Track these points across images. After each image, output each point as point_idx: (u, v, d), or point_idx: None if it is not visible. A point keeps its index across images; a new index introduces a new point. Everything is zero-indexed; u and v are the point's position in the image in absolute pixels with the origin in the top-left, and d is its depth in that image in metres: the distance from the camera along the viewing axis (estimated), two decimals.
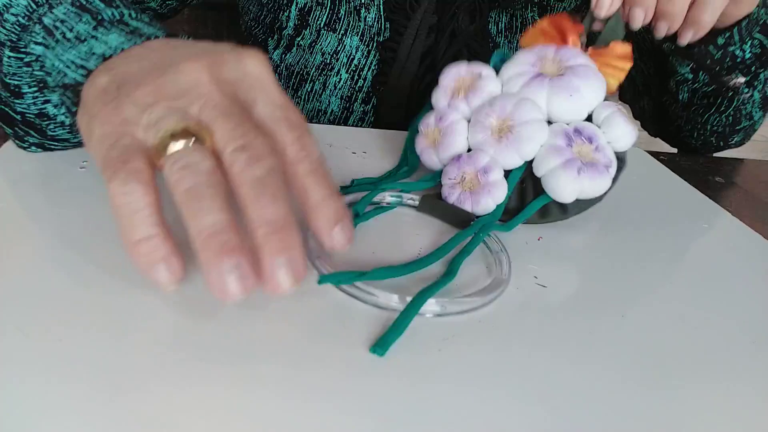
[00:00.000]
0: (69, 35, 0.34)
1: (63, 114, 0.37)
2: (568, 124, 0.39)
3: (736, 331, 0.33)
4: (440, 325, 0.30)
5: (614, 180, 0.39)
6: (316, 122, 0.61)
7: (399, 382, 0.26)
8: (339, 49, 0.58)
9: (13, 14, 0.35)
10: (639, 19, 0.41)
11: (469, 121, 0.40)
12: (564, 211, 0.40)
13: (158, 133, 0.25)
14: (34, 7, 0.35)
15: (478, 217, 0.39)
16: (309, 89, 0.61)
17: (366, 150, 0.48)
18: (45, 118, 0.37)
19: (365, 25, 0.56)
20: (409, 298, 0.30)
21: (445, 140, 0.41)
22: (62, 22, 0.34)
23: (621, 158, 0.40)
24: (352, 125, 0.61)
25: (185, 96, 0.26)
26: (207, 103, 0.26)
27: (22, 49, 0.35)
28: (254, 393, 0.24)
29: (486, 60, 0.43)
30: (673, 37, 0.45)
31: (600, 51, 0.41)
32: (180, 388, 0.24)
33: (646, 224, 0.44)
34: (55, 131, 0.38)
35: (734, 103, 0.57)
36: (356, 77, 0.59)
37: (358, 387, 0.26)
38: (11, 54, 0.35)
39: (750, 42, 0.51)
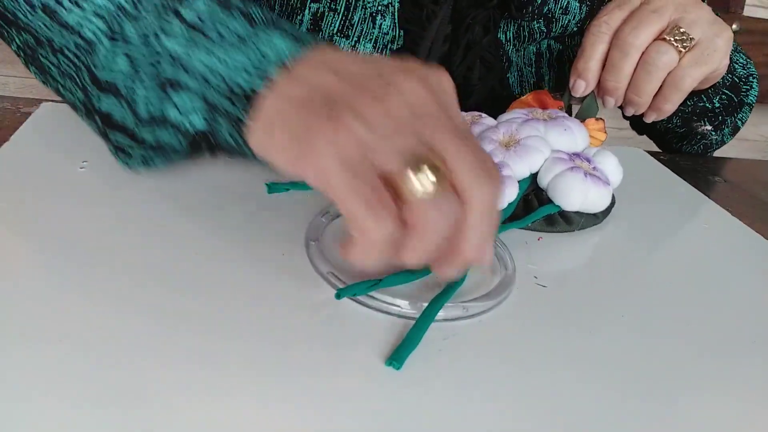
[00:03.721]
0: (226, 34, 0.30)
1: (194, 120, 0.31)
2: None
3: (736, 331, 0.33)
4: (442, 327, 0.30)
5: (608, 211, 0.42)
6: None
7: (406, 388, 0.26)
8: None
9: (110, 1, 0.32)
10: (610, 104, 0.46)
11: None
12: (568, 221, 0.41)
13: (402, 162, 0.25)
14: None
15: None
16: None
17: None
18: (155, 123, 0.32)
19: (379, 32, 0.56)
20: (421, 304, 0.30)
21: None
22: (209, 17, 0.31)
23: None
24: None
25: (419, 119, 0.26)
26: (439, 127, 0.26)
27: (134, 41, 0.31)
28: (258, 400, 0.24)
29: (500, 70, 0.45)
30: None
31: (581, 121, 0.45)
32: (182, 391, 0.24)
33: (645, 224, 0.44)
34: (158, 137, 0.33)
35: (702, 141, 0.63)
36: None
37: (367, 394, 0.26)
38: (109, 46, 0.32)
39: (718, 97, 0.57)
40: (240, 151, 0.31)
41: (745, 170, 0.62)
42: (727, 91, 0.57)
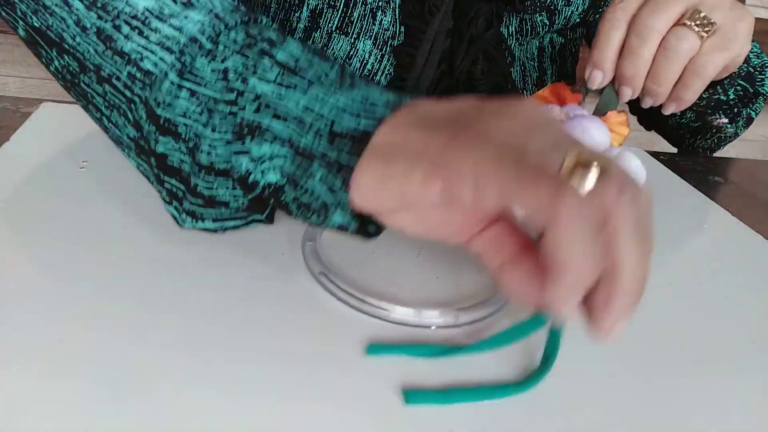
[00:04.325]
0: (324, 78, 0.28)
1: (267, 171, 0.28)
2: None
3: (736, 331, 0.33)
4: (443, 333, 0.30)
5: None
6: None
7: (384, 382, 0.26)
8: (351, 53, 0.57)
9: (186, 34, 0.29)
10: (627, 95, 0.44)
11: None
12: None
13: (564, 157, 0.22)
14: (246, 38, 0.29)
15: None
16: None
17: None
18: (216, 173, 0.29)
19: (380, 28, 0.56)
20: (425, 312, 0.30)
21: None
22: (307, 60, 0.29)
23: None
24: None
25: (539, 127, 0.24)
26: (560, 134, 0.23)
27: (207, 80, 0.29)
28: (253, 397, 0.25)
29: (503, 64, 0.44)
30: None
31: (600, 118, 0.43)
32: (182, 390, 0.24)
33: None
34: (215, 190, 0.30)
35: (717, 134, 0.62)
36: None
37: (345, 388, 0.26)
38: (176, 80, 0.29)
39: (733, 88, 0.55)
40: (332, 202, 0.27)
41: (745, 170, 0.62)
42: (742, 82, 0.56)
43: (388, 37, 0.56)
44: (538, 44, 0.61)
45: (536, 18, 0.58)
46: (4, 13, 0.34)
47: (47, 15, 0.31)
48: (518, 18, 0.58)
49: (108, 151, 0.41)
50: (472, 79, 0.58)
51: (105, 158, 0.40)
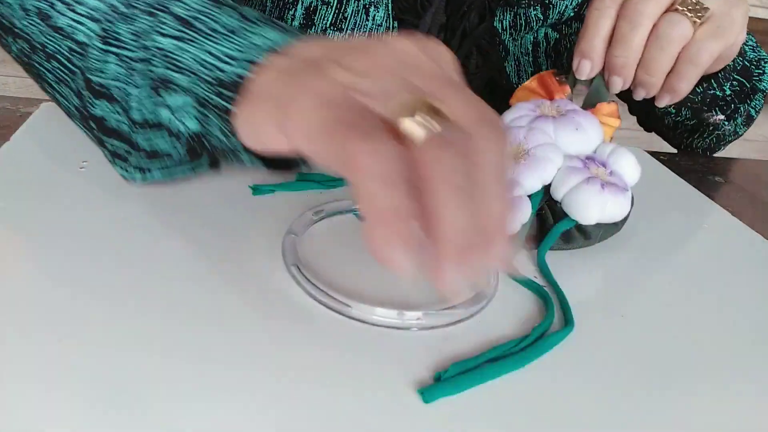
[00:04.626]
0: (217, 27, 0.30)
1: (187, 119, 0.31)
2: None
3: (736, 331, 0.33)
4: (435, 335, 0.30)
5: (626, 216, 0.39)
6: None
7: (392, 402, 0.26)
8: None
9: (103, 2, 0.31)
10: (617, 86, 0.42)
11: None
12: (587, 236, 0.38)
13: (394, 103, 0.22)
14: None
15: None
16: None
17: None
18: (149, 127, 0.32)
19: (373, 24, 0.56)
20: (407, 313, 0.29)
21: None
22: (203, 13, 0.31)
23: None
24: None
25: (406, 68, 0.23)
26: (429, 76, 0.23)
27: (126, 42, 0.31)
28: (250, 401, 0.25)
29: (496, 58, 0.43)
30: None
31: (589, 110, 0.41)
32: (181, 389, 0.24)
33: (645, 224, 0.44)
34: (153, 142, 0.33)
35: (715, 132, 0.60)
36: None
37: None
38: (102, 47, 0.31)
39: (729, 83, 0.54)
40: (231, 147, 0.30)
41: (745, 170, 0.62)
42: (738, 77, 0.55)
43: (382, 33, 0.56)
44: (532, 39, 0.61)
45: (530, 12, 0.59)
46: None
47: (1, 5, 0.34)
48: (512, 12, 0.58)
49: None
50: (466, 74, 0.58)
51: (105, 159, 0.40)
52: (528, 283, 0.34)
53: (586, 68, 0.42)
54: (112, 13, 0.32)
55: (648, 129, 0.68)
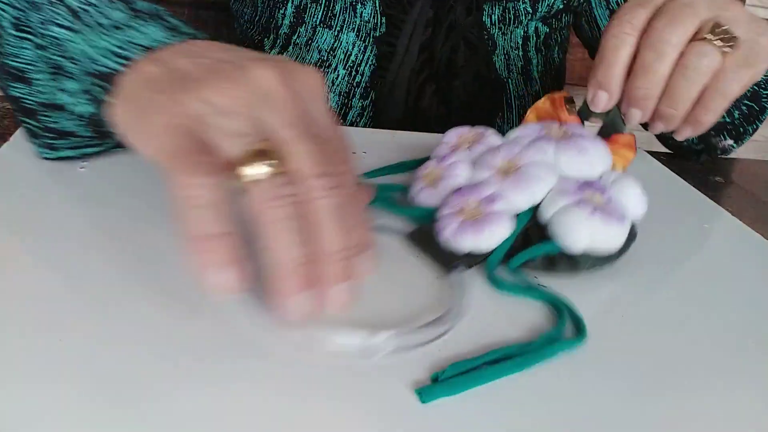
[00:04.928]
0: (103, 21, 0.32)
1: (82, 103, 0.34)
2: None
3: (736, 331, 0.33)
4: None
5: (625, 248, 0.36)
6: None
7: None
8: (335, 45, 0.58)
9: None
10: (636, 119, 0.39)
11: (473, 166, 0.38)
12: (573, 264, 0.34)
13: (241, 148, 0.24)
14: None
15: (472, 257, 0.34)
16: None
17: (366, 150, 0.48)
18: (53, 109, 0.35)
19: (361, 20, 0.57)
20: (378, 335, 0.27)
21: (447, 174, 0.38)
22: (92, 6, 0.33)
23: (631, 229, 0.36)
24: (351, 121, 0.61)
25: (261, 106, 0.25)
26: (284, 119, 0.24)
27: (34, 29, 0.33)
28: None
29: (484, 52, 0.42)
30: None
31: (605, 141, 0.39)
32: (180, 387, 0.24)
33: (645, 224, 0.44)
34: (59, 123, 0.36)
35: (723, 154, 0.60)
36: (354, 73, 0.59)
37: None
38: (16, 33, 0.34)
39: (738, 110, 0.53)
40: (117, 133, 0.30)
41: (745, 170, 0.62)
42: (747, 102, 0.54)
43: (370, 29, 0.57)
44: (522, 33, 0.61)
45: (519, 5, 0.59)
46: None
47: None
48: (501, 7, 0.58)
49: (106, 152, 0.41)
50: (453, 67, 0.58)
51: (105, 158, 0.40)
52: (536, 292, 0.33)
53: (602, 100, 0.39)
54: (26, 2, 0.34)
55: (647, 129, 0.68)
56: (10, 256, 0.30)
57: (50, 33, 0.33)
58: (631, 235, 0.36)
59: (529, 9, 0.59)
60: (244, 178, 0.24)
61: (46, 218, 0.34)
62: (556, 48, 0.65)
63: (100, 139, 0.38)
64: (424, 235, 0.36)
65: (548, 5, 0.60)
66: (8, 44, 0.34)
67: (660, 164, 0.57)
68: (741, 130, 0.55)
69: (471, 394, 0.26)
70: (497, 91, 0.62)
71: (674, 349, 0.31)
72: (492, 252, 0.34)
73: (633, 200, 0.36)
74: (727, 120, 0.53)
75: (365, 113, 0.61)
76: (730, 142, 0.55)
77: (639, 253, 0.40)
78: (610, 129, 0.40)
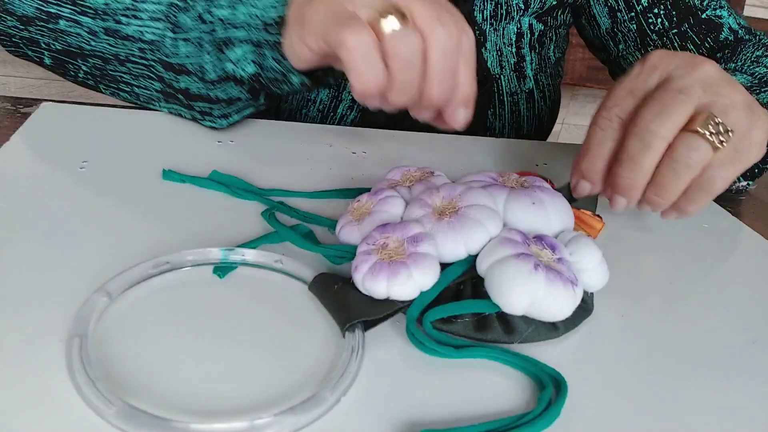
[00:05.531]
0: None
1: (245, 69, 0.41)
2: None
3: (736, 331, 0.33)
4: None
5: (577, 320, 0.31)
6: (305, 111, 0.61)
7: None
8: None
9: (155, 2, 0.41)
10: (620, 206, 0.37)
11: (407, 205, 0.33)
12: (508, 329, 0.29)
13: (372, 10, 0.34)
14: None
15: (383, 307, 0.28)
16: None
17: (366, 150, 0.48)
18: (223, 81, 0.42)
19: None
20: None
21: (375, 210, 0.33)
22: None
23: (584, 300, 0.31)
24: (342, 113, 0.61)
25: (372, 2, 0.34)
26: None
27: (192, 27, 0.40)
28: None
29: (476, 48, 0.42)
30: None
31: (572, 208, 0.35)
32: (180, 386, 0.24)
33: (644, 223, 0.44)
34: (227, 91, 0.43)
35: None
36: None
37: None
38: (173, 36, 0.41)
39: None
40: (284, 71, 0.41)
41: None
42: None
43: None
44: (516, 30, 0.61)
45: (512, 1, 0.58)
46: (30, 52, 0.45)
47: (65, 37, 0.43)
48: (493, 2, 0.58)
49: (108, 151, 0.41)
50: None
51: (105, 158, 0.40)
52: (474, 351, 0.28)
53: (585, 189, 0.38)
54: (171, 9, 0.41)
55: None
56: (11, 255, 0.30)
57: (213, 17, 0.40)
58: (585, 309, 0.31)
59: (522, 5, 0.59)
60: (381, 31, 0.33)
61: (46, 218, 0.34)
62: (552, 46, 0.65)
63: (254, 99, 0.45)
64: (327, 284, 0.30)
65: (541, 1, 0.59)
66: (167, 48, 0.41)
67: None
68: (756, 170, 0.52)
69: None
70: (487, 86, 0.62)
71: (673, 349, 0.31)
72: (410, 303, 0.29)
73: (590, 266, 0.31)
74: None
75: (356, 105, 0.61)
76: (744, 183, 0.53)
77: (638, 252, 0.40)
78: (584, 204, 0.39)
